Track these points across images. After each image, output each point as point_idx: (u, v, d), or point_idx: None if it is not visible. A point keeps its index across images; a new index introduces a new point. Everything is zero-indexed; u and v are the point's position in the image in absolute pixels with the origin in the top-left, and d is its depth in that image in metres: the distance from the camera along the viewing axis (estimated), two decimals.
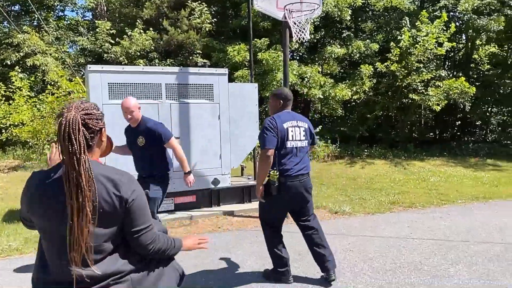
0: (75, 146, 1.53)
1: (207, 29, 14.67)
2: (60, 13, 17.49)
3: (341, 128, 14.55)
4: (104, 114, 1.74)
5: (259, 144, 3.67)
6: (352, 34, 14.87)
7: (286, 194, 3.52)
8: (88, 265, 1.56)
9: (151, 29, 14.35)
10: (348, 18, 13.65)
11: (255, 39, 12.66)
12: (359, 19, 15.71)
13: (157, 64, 13.72)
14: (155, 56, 14.37)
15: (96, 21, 14.87)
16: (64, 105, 1.65)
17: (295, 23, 5.74)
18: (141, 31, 14.00)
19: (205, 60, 13.94)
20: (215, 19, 15.07)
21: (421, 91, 13.10)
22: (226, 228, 5.70)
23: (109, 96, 5.88)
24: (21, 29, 13.10)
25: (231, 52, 12.91)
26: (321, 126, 13.49)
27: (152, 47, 14.27)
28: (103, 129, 1.72)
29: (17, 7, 15.96)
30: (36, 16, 13.73)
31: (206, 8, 14.73)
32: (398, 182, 9.42)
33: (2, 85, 10.26)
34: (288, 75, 6.11)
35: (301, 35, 5.77)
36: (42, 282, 1.65)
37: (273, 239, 3.75)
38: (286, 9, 5.71)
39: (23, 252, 4.76)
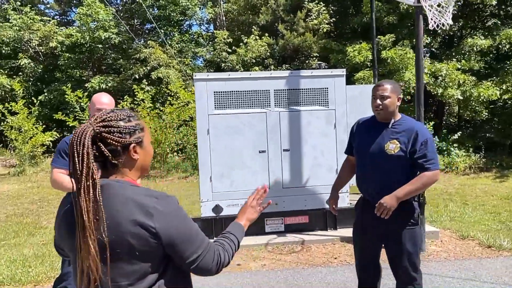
0: (77, 166, 1.25)
1: (324, 30, 13.79)
2: (187, 28, 18.47)
3: (487, 134, 12.19)
4: (137, 128, 1.40)
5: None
6: (499, 22, 12.40)
7: None
8: None
9: (266, 34, 14.04)
10: (494, 3, 11.37)
11: (379, 36, 11.36)
12: (508, 3, 13.07)
13: (272, 70, 13.32)
14: (270, 62, 14.01)
15: (215, 31, 15.18)
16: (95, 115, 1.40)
17: (432, 6, 4.54)
18: (257, 37, 13.77)
19: (320, 62, 13.04)
20: (333, 19, 14.10)
21: None
22: (343, 259, 4.74)
23: (215, 105, 5.44)
24: (149, 44, 14.01)
25: (350, 52, 11.81)
26: (460, 132, 11.48)
27: (268, 53, 13.93)
28: (133, 145, 1.38)
29: (148, 26, 17.30)
30: (162, 31, 14.55)
31: (324, 8, 13.86)
32: None
33: (128, 98, 10.92)
34: (423, 73, 4.91)
35: (439, 20, 4.54)
36: None
37: None
38: None
39: None
